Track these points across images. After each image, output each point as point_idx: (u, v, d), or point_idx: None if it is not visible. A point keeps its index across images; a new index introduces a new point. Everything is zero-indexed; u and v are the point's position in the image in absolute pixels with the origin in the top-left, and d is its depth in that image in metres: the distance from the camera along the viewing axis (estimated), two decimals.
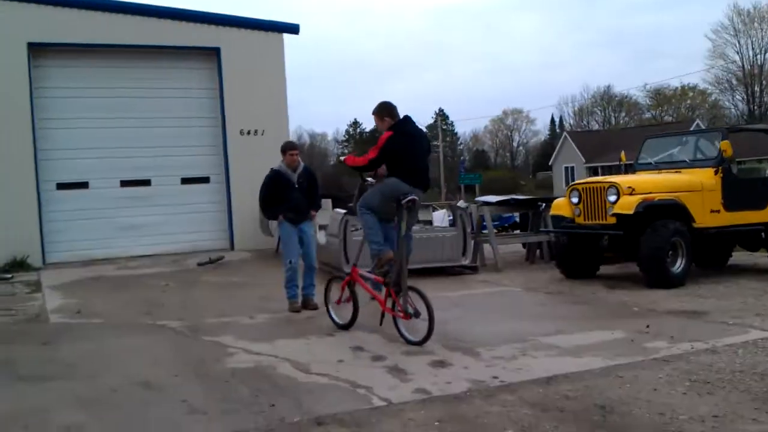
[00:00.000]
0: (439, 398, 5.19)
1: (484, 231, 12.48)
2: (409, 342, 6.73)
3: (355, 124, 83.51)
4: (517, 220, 19.63)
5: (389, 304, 6.96)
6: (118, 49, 15.23)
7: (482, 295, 9.80)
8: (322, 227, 12.37)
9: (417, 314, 6.64)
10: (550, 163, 59.98)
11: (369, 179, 7.62)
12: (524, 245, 13.88)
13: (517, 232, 18.28)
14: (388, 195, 7.06)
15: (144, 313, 8.86)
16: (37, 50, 14.60)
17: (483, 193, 46.77)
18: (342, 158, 7.86)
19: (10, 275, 12.89)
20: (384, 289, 7.08)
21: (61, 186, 14.90)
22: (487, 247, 12.66)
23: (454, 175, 62.14)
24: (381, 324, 7.15)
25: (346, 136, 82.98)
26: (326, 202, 13.71)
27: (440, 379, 5.67)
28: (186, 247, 15.65)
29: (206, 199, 16.25)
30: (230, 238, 16.20)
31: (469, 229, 11.67)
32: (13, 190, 14.07)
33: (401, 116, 7.41)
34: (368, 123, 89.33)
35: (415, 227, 11.89)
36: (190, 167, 16.03)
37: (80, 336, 7.69)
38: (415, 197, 6.91)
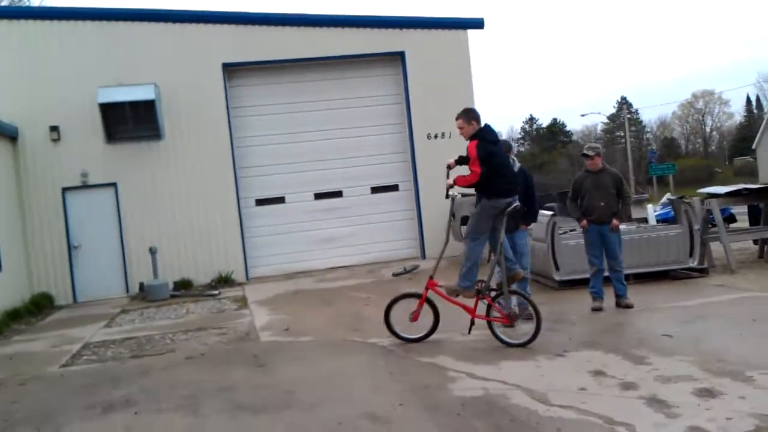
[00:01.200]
0: None
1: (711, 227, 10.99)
2: (509, 345, 6.89)
3: (531, 120, 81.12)
4: (732, 212, 17.47)
5: (482, 311, 7.11)
6: (305, 63, 15.40)
7: (725, 303, 8.45)
8: None
9: (517, 317, 7.08)
10: (753, 147, 54.36)
11: (454, 193, 7.37)
12: (755, 241, 12.16)
13: (734, 225, 16.23)
14: (493, 213, 7.15)
15: (352, 330, 8.54)
16: (231, 70, 15.10)
17: (676, 184, 43.37)
18: (452, 183, 7.24)
19: (217, 291, 13.31)
20: (474, 298, 7.23)
21: (259, 202, 15.30)
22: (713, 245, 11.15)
23: (641, 166, 58.37)
24: (470, 332, 7.29)
25: (522, 134, 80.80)
26: None
27: (715, 413, 4.66)
28: (379, 257, 15.48)
29: (396, 207, 15.98)
30: (421, 246, 15.80)
31: (696, 226, 10.28)
32: (217, 208, 14.66)
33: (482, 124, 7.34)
34: (545, 119, 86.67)
35: (632, 227, 10.73)
36: (378, 176, 15.85)
37: (293, 357, 7.46)
38: (518, 203, 7.19)
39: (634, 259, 9.95)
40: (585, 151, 8.72)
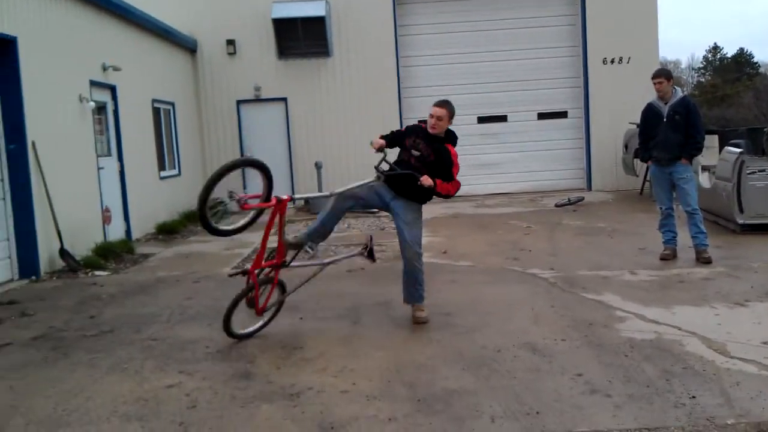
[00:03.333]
0: None
1: None
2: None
3: (715, 49, 74.21)
4: None
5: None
6: None
7: None
8: (705, 168, 10.64)
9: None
10: None
11: (383, 167, 5.90)
12: None
13: None
14: None
15: (511, 259, 8.33)
16: None
17: None
18: (429, 184, 5.69)
19: (376, 210, 13.49)
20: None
21: (422, 122, 15.19)
22: None
23: None
24: None
25: (704, 63, 74.23)
26: (711, 139, 11.84)
27: None
28: (541, 186, 15.06)
29: (563, 135, 15.34)
30: (587, 177, 15.16)
31: None
32: (380, 127, 14.48)
33: None
34: (730, 48, 79.16)
35: None
36: (546, 101, 15.21)
37: (450, 280, 7.42)
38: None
39: None
40: None
